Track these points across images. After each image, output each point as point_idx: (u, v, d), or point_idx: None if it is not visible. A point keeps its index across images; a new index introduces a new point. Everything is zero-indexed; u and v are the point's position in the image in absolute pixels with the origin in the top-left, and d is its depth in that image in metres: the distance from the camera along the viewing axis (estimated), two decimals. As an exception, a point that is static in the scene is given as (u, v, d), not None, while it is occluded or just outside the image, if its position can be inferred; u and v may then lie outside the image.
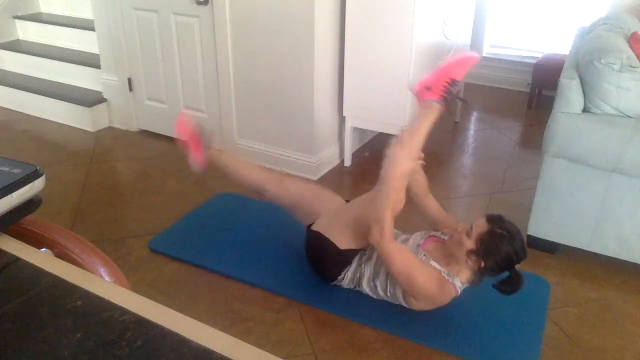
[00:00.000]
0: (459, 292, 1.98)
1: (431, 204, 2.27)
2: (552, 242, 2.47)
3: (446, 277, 1.95)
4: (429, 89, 1.97)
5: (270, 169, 2.45)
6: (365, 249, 2.13)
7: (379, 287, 2.10)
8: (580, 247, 2.42)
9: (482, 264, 1.91)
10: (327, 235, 2.12)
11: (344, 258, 2.12)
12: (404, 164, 1.92)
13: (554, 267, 2.43)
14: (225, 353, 0.58)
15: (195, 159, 2.46)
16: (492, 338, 2.00)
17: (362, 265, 2.12)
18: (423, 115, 1.98)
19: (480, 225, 1.92)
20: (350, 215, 2.12)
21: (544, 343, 1.99)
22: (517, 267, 1.95)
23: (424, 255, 2.01)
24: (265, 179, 2.38)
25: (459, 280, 1.96)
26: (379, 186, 1.97)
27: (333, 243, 2.10)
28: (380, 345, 1.97)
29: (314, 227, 2.17)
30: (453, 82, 1.98)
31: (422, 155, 2.06)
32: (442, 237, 2.13)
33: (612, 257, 2.38)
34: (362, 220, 2.04)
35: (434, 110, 1.97)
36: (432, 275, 1.94)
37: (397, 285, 2.04)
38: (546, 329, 2.06)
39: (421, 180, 2.26)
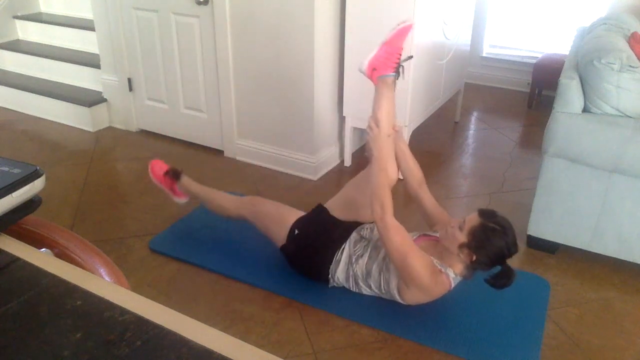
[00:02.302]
0: (452, 284, 1.98)
1: (425, 197, 2.27)
2: (552, 242, 2.47)
3: (440, 268, 1.95)
4: (380, 67, 2.18)
5: (236, 196, 2.52)
6: (307, 216, 2.25)
7: (373, 286, 2.11)
8: (580, 247, 2.42)
9: (474, 258, 1.91)
10: (277, 244, 2.27)
11: (298, 243, 2.20)
12: (384, 140, 2.14)
13: (554, 267, 2.43)
14: (225, 353, 0.58)
15: (175, 195, 2.63)
16: (492, 338, 2.00)
17: (354, 265, 2.12)
18: (383, 93, 2.20)
19: (473, 219, 1.93)
20: (269, 220, 2.30)
21: (544, 343, 1.99)
22: (518, 266, 1.95)
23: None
24: (237, 204, 2.43)
25: (452, 271, 1.96)
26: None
27: (283, 243, 2.23)
28: (380, 345, 1.97)
29: (279, 246, 2.29)
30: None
31: (397, 127, 2.25)
32: (434, 234, 2.13)
33: (612, 257, 2.38)
34: (264, 211, 2.32)
35: (390, 84, 2.19)
36: (426, 262, 1.94)
37: (391, 276, 2.04)
38: (546, 329, 2.07)
39: (413, 166, 2.29)
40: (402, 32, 2.16)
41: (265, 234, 2.33)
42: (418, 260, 1.93)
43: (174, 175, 2.55)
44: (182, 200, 2.62)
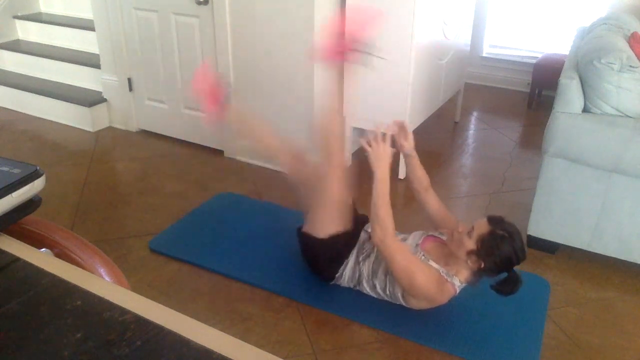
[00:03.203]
0: (458, 291, 1.98)
1: (432, 201, 2.26)
2: (552, 242, 2.47)
3: (445, 277, 1.95)
4: (339, 52, 2.07)
5: (285, 141, 2.35)
6: (349, 232, 2.14)
7: (378, 287, 2.10)
8: (580, 247, 2.42)
9: (482, 265, 1.91)
10: (307, 230, 2.15)
11: (332, 248, 2.12)
12: (384, 157, 2.00)
13: (554, 267, 2.43)
14: (225, 353, 0.58)
15: (211, 113, 2.33)
16: (492, 338, 2.00)
17: (360, 264, 2.12)
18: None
19: (482, 226, 1.93)
20: (317, 200, 2.11)
21: (544, 343, 1.99)
22: (518, 265, 1.95)
23: (423, 255, 2.01)
24: (281, 147, 2.32)
25: (458, 279, 1.97)
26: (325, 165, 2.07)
27: (313, 236, 2.12)
28: (380, 345, 1.97)
29: (303, 228, 2.20)
30: (361, 40, 2.06)
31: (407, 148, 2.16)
32: (441, 237, 2.13)
33: (612, 257, 2.38)
34: (328, 200, 2.09)
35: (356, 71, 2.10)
36: (432, 275, 1.95)
37: (397, 284, 2.04)
38: (546, 329, 2.06)
39: (421, 175, 2.26)
40: (365, 20, 2.13)
41: (305, 197, 2.21)
42: (424, 276, 1.94)
43: (225, 92, 2.35)
44: (216, 120, 2.36)
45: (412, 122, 3.10)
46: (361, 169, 3.30)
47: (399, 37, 2.86)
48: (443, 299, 1.98)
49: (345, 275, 2.15)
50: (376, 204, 1.97)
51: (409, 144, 2.18)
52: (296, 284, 2.25)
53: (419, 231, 2.18)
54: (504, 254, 1.88)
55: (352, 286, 2.17)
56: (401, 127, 2.16)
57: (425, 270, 1.95)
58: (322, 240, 2.12)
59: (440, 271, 1.96)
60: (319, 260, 2.19)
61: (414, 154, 2.21)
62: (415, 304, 2.04)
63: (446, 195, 3.01)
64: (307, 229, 2.18)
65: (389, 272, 2.06)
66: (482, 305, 2.14)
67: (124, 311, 0.64)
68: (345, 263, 2.13)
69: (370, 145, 1.99)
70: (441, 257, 2.01)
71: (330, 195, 2.07)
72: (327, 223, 2.11)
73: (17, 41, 4.52)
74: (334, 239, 2.11)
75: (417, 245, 2.07)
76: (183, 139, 3.62)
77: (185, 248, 2.47)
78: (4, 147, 3.58)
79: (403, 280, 1.98)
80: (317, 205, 2.15)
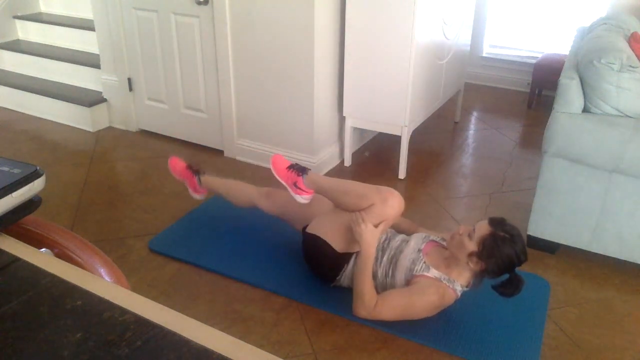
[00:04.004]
0: (460, 295, 1.99)
1: (422, 230, 2.32)
2: (552, 242, 2.47)
3: (446, 284, 1.95)
4: (295, 185, 2.25)
5: (254, 186, 2.53)
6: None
7: (379, 289, 2.10)
8: (580, 247, 2.42)
9: (484, 267, 1.91)
10: (323, 237, 2.12)
11: (342, 260, 2.13)
12: (371, 235, 2.01)
13: (554, 267, 2.43)
14: (225, 353, 0.58)
15: (194, 191, 2.63)
16: (492, 338, 2.00)
17: None
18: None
19: (483, 228, 1.92)
20: (347, 218, 2.10)
21: (544, 343, 1.99)
22: (520, 267, 1.95)
23: (424, 262, 2.00)
24: (254, 195, 2.45)
25: (460, 284, 1.97)
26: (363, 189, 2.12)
27: (330, 245, 2.10)
28: (380, 345, 1.97)
29: (309, 230, 2.18)
30: (292, 167, 2.29)
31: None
32: (442, 242, 2.13)
33: (612, 257, 2.38)
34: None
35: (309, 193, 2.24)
36: (429, 296, 1.95)
37: (396, 286, 2.04)
38: (546, 329, 2.06)
39: (407, 227, 2.34)
40: (275, 164, 2.33)
41: (283, 218, 2.37)
42: (421, 302, 1.95)
43: (195, 170, 2.60)
44: (200, 196, 2.64)
45: (412, 122, 3.10)
46: (361, 169, 3.31)
47: (399, 37, 2.86)
48: (444, 305, 1.99)
49: (346, 277, 2.15)
50: (359, 279, 2.00)
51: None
52: (296, 284, 2.25)
53: (421, 234, 2.17)
54: (505, 255, 1.88)
55: (352, 286, 2.17)
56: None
57: (420, 298, 1.95)
58: (336, 252, 2.11)
59: (441, 278, 1.96)
60: (324, 264, 2.18)
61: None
62: (416, 313, 2.04)
63: (446, 195, 3.02)
64: (319, 233, 2.14)
65: (389, 275, 2.06)
66: (482, 305, 2.14)
67: (124, 311, 0.64)
68: (345, 267, 2.13)
69: (361, 224, 2.01)
70: (442, 261, 2.01)
71: (356, 292, 2.04)
72: (351, 242, 2.10)
73: (17, 41, 4.52)
74: (348, 256, 2.12)
75: (419, 250, 2.06)
76: (183, 139, 3.62)
77: (185, 248, 2.47)
78: (4, 147, 3.58)
79: (403, 319, 2.00)
80: (340, 218, 2.13)
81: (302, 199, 2.25)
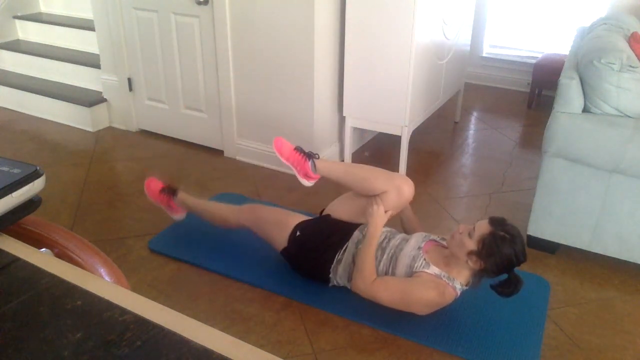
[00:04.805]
0: (459, 294, 1.99)
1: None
2: (552, 242, 2.47)
3: (446, 281, 1.95)
4: (302, 168, 2.32)
5: (232, 205, 2.46)
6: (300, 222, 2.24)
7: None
8: (580, 247, 2.42)
9: (483, 266, 1.91)
10: (277, 249, 2.26)
11: (300, 244, 2.19)
12: (380, 219, 2.11)
13: (554, 267, 2.43)
14: (225, 353, 0.58)
15: (173, 213, 2.57)
16: (492, 338, 2.00)
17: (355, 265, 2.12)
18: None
19: (483, 227, 1.93)
20: (263, 220, 2.29)
21: (544, 343, 1.99)
22: (519, 267, 1.95)
23: (424, 259, 2.01)
24: (234, 210, 2.39)
25: (459, 282, 1.97)
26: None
27: (284, 248, 2.23)
28: (380, 345, 1.97)
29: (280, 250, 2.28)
30: (298, 150, 2.35)
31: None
32: (442, 242, 2.13)
33: (612, 257, 2.38)
34: (264, 217, 2.31)
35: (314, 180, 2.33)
36: (427, 288, 1.95)
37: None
38: (546, 329, 2.07)
39: (410, 216, 2.36)
40: (278, 145, 2.38)
41: (266, 240, 2.32)
42: (420, 292, 1.95)
43: (169, 191, 2.52)
44: (179, 216, 2.57)
45: (412, 122, 3.10)
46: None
47: (399, 37, 2.86)
48: (445, 302, 1.98)
49: (340, 275, 2.15)
50: (361, 255, 2.04)
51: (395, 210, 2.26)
52: (296, 284, 2.25)
53: (421, 233, 2.18)
54: (505, 255, 1.88)
55: (350, 286, 2.16)
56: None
57: (419, 287, 1.95)
58: (288, 247, 2.21)
59: (441, 275, 1.96)
60: (306, 265, 2.24)
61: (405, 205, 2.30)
62: (416, 310, 2.04)
63: (446, 196, 3.02)
64: (280, 246, 2.25)
65: (389, 273, 2.06)
66: (482, 305, 2.14)
67: (124, 311, 0.64)
68: (334, 261, 2.14)
69: (375, 205, 2.11)
70: (442, 259, 2.01)
71: (357, 268, 2.09)
72: (277, 235, 2.24)
73: (17, 41, 4.52)
74: (294, 242, 2.20)
75: (419, 248, 2.06)
76: (183, 139, 3.62)
77: (185, 248, 2.47)
78: (4, 147, 3.58)
79: (402, 308, 2.00)
80: (266, 233, 2.29)
81: (308, 183, 2.35)
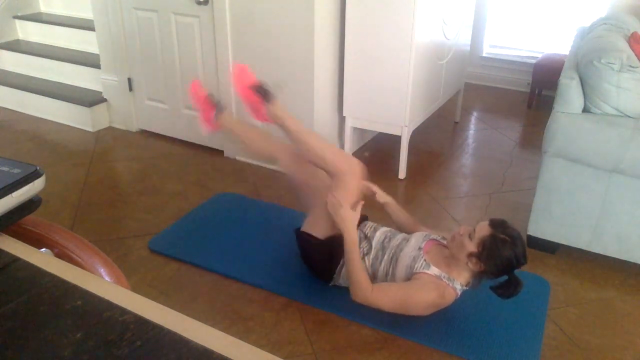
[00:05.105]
0: (459, 294, 1.99)
1: (423, 229, 2.30)
2: (552, 242, 2.47)
3: (446, 282, 1.95)
4: (255, 108, 2.26)
5: (281, 141, 2.39)
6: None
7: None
8: (580, 247, 2.42)
9: (482, 267, 1.91)
10: (306, 229, 2.17)
11: (328, 249, 2.13)
12: (352, 219, 2.04)
13: (554, 267, 2.43)
14: (225, 353, 0.58)
15: (205, 123, 2.46)
16: (492, 338, 2.00)
17: None
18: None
19: (483, 229, 1.93)
20: (320, 203, 2.13)
21: (544, 343, 1.99)
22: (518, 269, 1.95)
23: (424, 260, 2.01)
24: (279, 149, 2.34)
25: (459, 283, 1.97)
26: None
27: (313, 236, 2.15)
28: (380, 345, 1.97)
29: (301, 228, 2.22)
30: (254, 87, 2.29)
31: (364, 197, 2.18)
32: (443, 241, 2.13)
33: (612, 257, 2.38)
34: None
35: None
36: (428, 291, 1.95)
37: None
38: (546, 329, 2.07)
39: (405, 219, 2.32)
40: (238, 73, 2.33)
41: (307, 205, 2.24)
42: (420, 296, 1.95)
43: (214, 104, 2.44)
44: (208, 130, 2.45)
45: (412, 122, 3.10)
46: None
47: (399, 37, 2.86)
48: (445, 303, 1.98)
49: (343, 275, 2.15)
50: (349, 268, 2.01)
51: (378, 194, 2.28)
52: (296, 284, 2.25)
53: (421, 232, 2.18)
54: (505, 258, 1.88)
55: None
56: (366, 188, 2.23)
57: (418, 290, 1.95)
58: (319, 241, 2.14)
59: (442, 276, 1.96)
60: (315, 260, 2.21)
61: (389, 199, 2.31)
62: (417, 311, 2.04)
63: (446, 196, 3.02)
64: (305, 228, 2.19)
65: (389, 273, 2.06)
66: (482, 305, 2.14)
67: (124, 311, 0.64)
68: (341, 262, 2.13)
69: (340, 208, 2.04)
70: (442, 260, 2.01)
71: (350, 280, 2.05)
72: (327, 224, 2.12)
73: (17, 41, 4.52)
74: (331, 240, 2.12)
75: (419, 248, 2.06)
76: (183, 139, 3.62)
77: (185, 248, 2.47)
78: (4, 147, 3.58)
79: (402, 312, 2.00)
80: (317, 206, 2.16)
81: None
